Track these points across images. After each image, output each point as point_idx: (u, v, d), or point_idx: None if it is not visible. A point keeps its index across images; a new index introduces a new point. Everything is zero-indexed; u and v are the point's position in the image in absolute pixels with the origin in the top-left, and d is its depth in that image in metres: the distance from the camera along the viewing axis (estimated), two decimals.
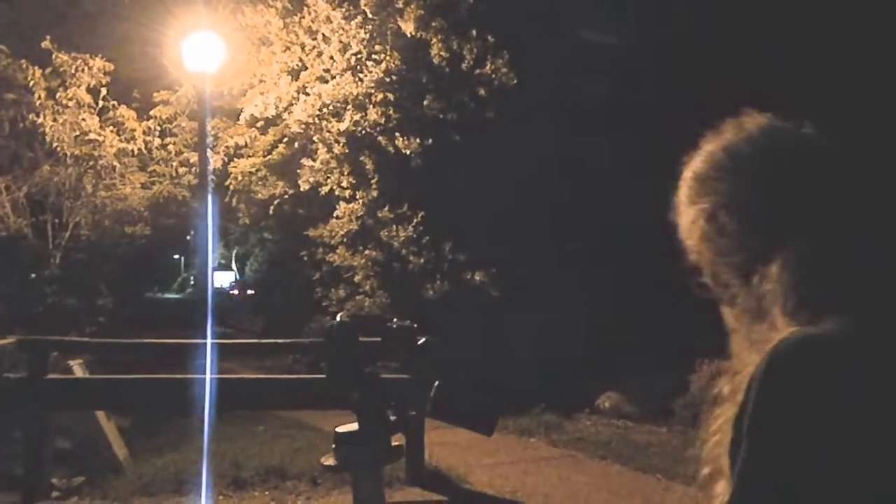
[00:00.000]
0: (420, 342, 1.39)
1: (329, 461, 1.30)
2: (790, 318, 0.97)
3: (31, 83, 11.75)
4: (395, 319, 1.42)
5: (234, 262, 37.71)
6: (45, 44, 11.88)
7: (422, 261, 11.69)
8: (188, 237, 20.04)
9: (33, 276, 12.73)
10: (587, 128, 11.05)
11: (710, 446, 1.04)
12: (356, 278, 12.40)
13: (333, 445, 1.28)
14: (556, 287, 10.36)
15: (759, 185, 1.04)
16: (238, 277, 37.97)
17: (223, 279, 39.97)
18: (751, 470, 0.91)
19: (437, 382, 1.23)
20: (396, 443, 1.36)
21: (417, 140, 11.48)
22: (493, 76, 11.20)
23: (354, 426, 1.28)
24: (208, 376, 6.56)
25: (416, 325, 1.41)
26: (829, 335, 0.92)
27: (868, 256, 1.00)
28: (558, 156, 11.04)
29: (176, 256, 38.91)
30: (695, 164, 1.14)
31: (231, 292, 35.95)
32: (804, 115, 1.13)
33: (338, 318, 1.36)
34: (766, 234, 1.02)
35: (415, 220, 11.73)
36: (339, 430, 1.34)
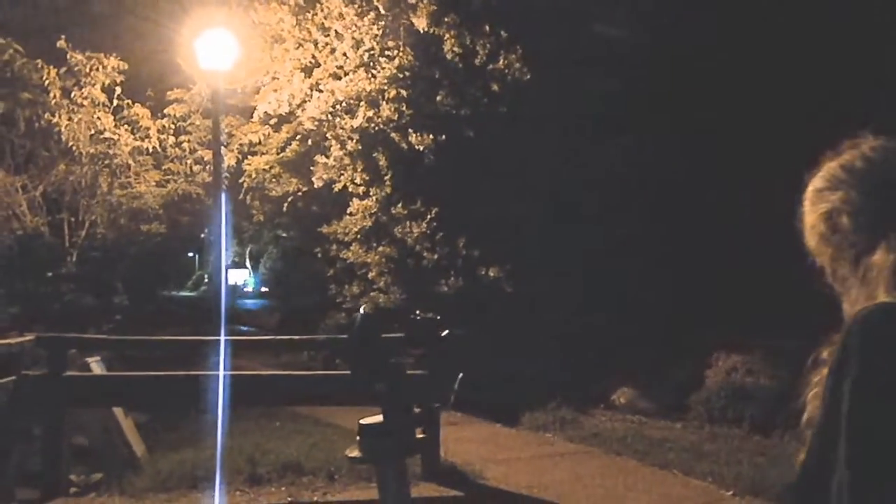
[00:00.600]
0: (444, 334, 1.38)
1: (354, 453, 1.29)
2: (889, 296, 1.14)
3: (47, 83, 11.84)
4: (418, 312, 1.41)
5: (248, 260, 37.82)
6: (61, 43, 11.97)
7: (436, 257, 11.68)
8: (202, 235, 20.13)
9: (50, 274, 12.84)
10: (601, 124, 11.01)
11: (809, 400, 1.19)
12: (370, 275, 12.40)
13: (358, 437, 1.27)
14: (572, 282, 10.34)
15: (865, 192, 1.24)
16: (252, 275, 38.12)
17: (237, 277, 40.12)
18: (860, 424, 1.03)
19: (459, 375, 1.22)
20: (420, 435, 1.34)
21: (430, 136, 11.46)
22: (507, 71, 11.16)
23: (378, 418, 1.27)
24: (223, 372, 6.59)
25: (439, 318, 1.40)
26: None
27: None
28: (572, 151, 11.00)
29: (190, 254, 39.08)
30: (816, 179, 1.32)
31: (245, 290, 36.12)
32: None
33: (361, 310, 1.34)
34: (871, 230, 1.20)
35: (428, 216, 11.72)
36: (363, 421, 1.33)
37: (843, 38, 9.87)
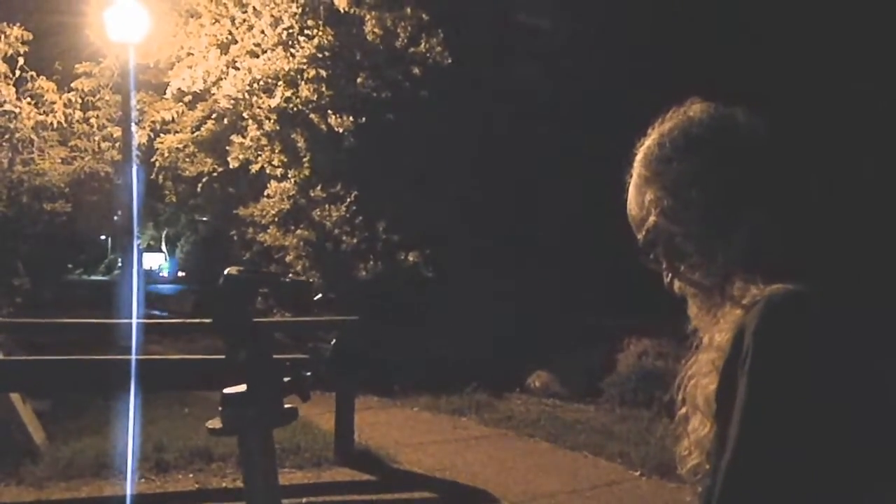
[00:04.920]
0: (315, 299, 1.33)
1: (215, 424, 1.23)
2: (754, 281, 1.09)
3: None
4: (290, 275, 1.35)
5: (164, 244, 36.74)
6: None
7: (355, 241, 11.58)
8: (115, 217, 19.40)
9: None
10: (521, 111, 11.10)
11: (689, 388, 1.15)
12: (287, 258, 12.19)
13: (220, 408, 1.22)
14: (487, 267, 10.41)
15: (720, 162, 1.15)
16: (168, 259, 37.11)
17: (153, 261, 38.95)
18: (756, 410, 1.00)
19: (333, 341, 1.18)
20: (290, 405, 1.29)
21: (350, 118, 11.32)
22: (428, 55, 11.11)
23: (240, 387, 1.21)
24: (133, 357, 6.35)
25: (311, 282, 1.35)
26: (810, 291, 1.04)
27: (812, 227, 1.16)
28: (491, 136, 11.05)
29: (102, 237, 37.69)
30: (649, 147, 1.23)
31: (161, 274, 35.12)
32: (742, 101, 1.24)
33: (226, 272, 1.28)
34: (728, 205, 1.13)
35: (348, 200, 11.60)
36: (226, 391, 1.27)
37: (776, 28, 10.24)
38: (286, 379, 1.23)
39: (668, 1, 10.79)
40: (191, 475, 6.36)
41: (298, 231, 12.03)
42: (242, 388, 1.22)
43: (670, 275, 1.23)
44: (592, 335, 9.77)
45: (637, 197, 1.24)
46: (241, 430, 1.21)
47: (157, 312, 19.00)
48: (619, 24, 10.90)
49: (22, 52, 11.75)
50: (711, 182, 1.15)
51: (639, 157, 1.24)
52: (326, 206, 11.72)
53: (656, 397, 8.64)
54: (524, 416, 8.49)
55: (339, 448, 6.64)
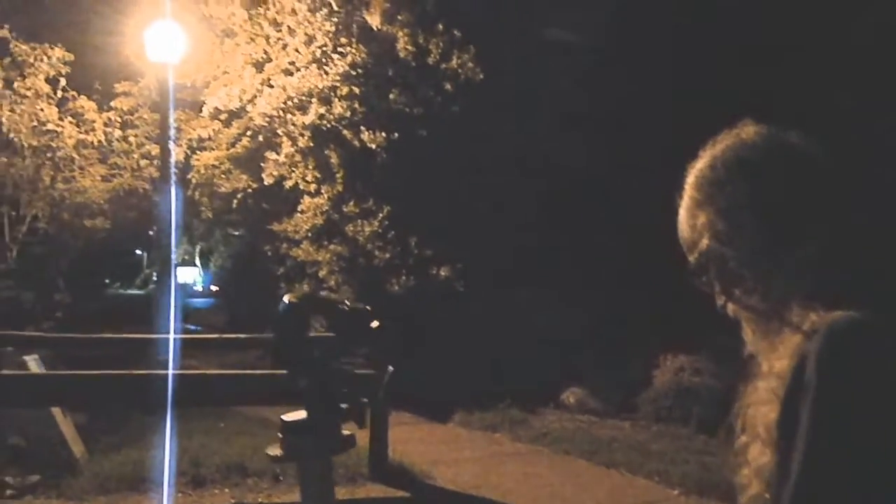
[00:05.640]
0: (374, 326, 1.34)
1: (274, 451, 1.24)
2: (813, 307, 1.08)
3: None
4: (346, 301, 1.36)
5: (197, 258, 37.19)
6: (3, 33, 11.59)
7: (387, 256, 11.62)
8: (150, 232, 19.71)
9: None
10: (554, 124, 11.09)
11: (748, 416, 1.14)
12: (321, 273, 12.27)
13: (280, 434, 1.23)
14: (521, 283, 10.38)
15: (774, 186, 1.15)
16: (202, 273, 37.53)
17: (187, 275, 39.43)
18: (821, 440, 0.99)
19: (390, 369, 1.18)
20: (348, 432, 1.30)
21: (383, 134, 11.40)
22: (460, 71, 11.16)
23: (302, 413, 1.22)
24: (170, 372, 6.43)
25: (369, 308, 1.36)
26: (872, 317, 1.03)
27: (865, 254, 1.16)
28: (524, 152, 11.05)
29: (138, 252, 38.29)
30: (701, 170, 1.22)
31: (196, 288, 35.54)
32: (786, 121, 1.24)
33: (285, 299, 1.29)
34: (784, 230, 1.13)
35: (380, 215, 11.65)
36: (285, 417, 1.28)
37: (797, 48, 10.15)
38: (344, 406, 1.24)
39: (708, 17, 10.70)
40: (227, 490, 6.42)
41: (331, 246, 12.11)
42: (302, 414, 1.24)
43: (724, 298, 1.22)
44: (627, 350, 9.68)
45: (689, 220, 1.23)
46: (302, 458, 1.22)
47: (191, 327, 19.21)
48: (657, 39, 10.86)
49: (64, 72, 12.03)
50: (765, 206, 1.14)
51: (690, 179, 1.24)
52: (359, 221, 11.79)
53: (694, 414, 8.55)
54: (559, 433, 8.44)
55: (374, 464, 6.65)
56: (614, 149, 10.89)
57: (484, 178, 11.03)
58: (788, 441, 1.03)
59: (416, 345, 7.89)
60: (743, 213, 1.15)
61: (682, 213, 1.26)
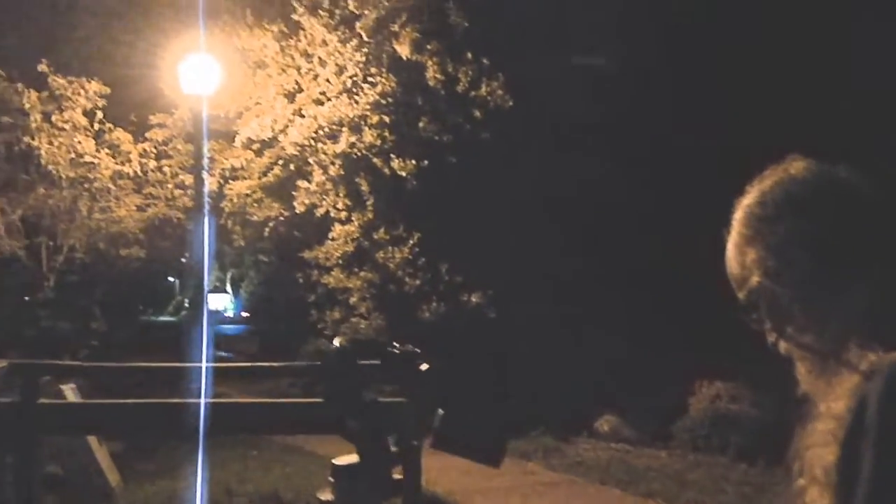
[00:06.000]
0: (424, 368, 1.33)
1: (326, 496, 1.24)
2: (871, 346, 1.05)
3: (28, 106, 11.74)
4: (396, 344, 1.36)
5: (228, 285, 37.52)
6: (42, 67, 11.89)
7: (418, 282, 11.64)
8: (183, 259, 19.95)
9: (27, 298, 12.64)
10: (582, 149, 11.07)
11: (806, 458, 1.11)
12: (351, 300, 12.32)
13: (331, 479, 1.23)
14: (553, 309, 10.31)
15: (826, 222, 1.12)
16: (233, 300, 37.82)
17: (218, 302, 39.75)
18: (884, 484, 0.97)
19: (440, 412, 1.18)
20: (398, 476, 1.30)
21: (413, 162, 11.48)
22: (489, 98, 11.22)
23: (353, 458, 1.22)
24: (202, 400, 6.46)
25: (418, 351, 1.36)
26: None
27: None
28: (556, 177, 11.04)
29: (171, 279, 38.73)
30: (749, 206, 1.20)
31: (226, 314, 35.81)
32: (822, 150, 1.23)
33: (336, 343, 1.29)
34: (837, 266, 1.10)
35: (410, 242, 11.70)
36: (336, 462, 1.28)
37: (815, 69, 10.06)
38: (394, 449, 1.23)
39: (748, 40, 10.64)
40: None
41: (362, 273, 12.17)
42: (353, 458, 1.23)
43: (775, 336, 1.19)
44: (661, 377, 9.55)
45: (738, 256, 1.21)
46: (354, 502, 1.21)
47: (223, 353, 19.33)
48: (691, 64, 10.82)
49: (100, 105, 12.29)
50: (818, 242, 1.12)
51: (738, 215, 1.21)
52: (390, 248, 11.85)
53: (732, 443, 8.38)
54: (593, 462, 8.32)
55: (407, 494, 6.59)
56: (647, 174, 10.84)
57: (515, 205, 11.03)
58: (848, 485, 1.00)
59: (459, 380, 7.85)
60: (794, 251, 1.13)
61: (731, 249, 1.24)
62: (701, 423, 8.73)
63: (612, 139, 11.00)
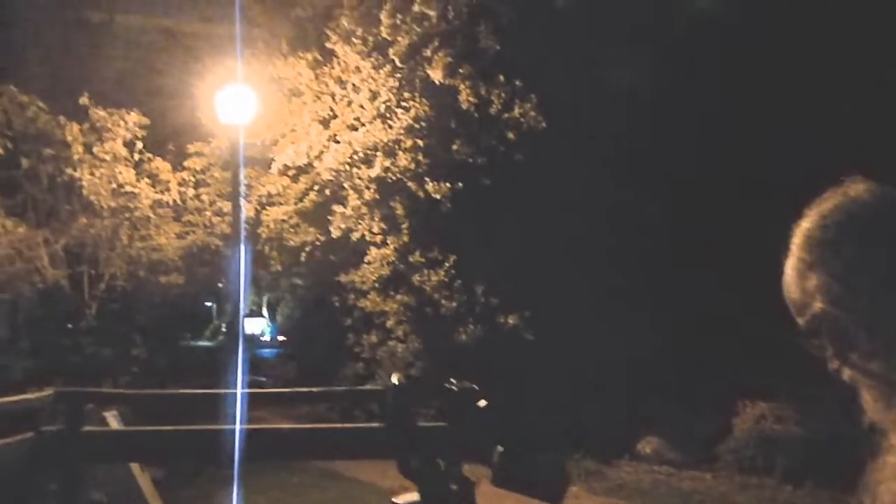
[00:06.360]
0: (482, 406, 1.31)
1: None
2: None
3: (70, 138, 12.03)
4: (453, 380, 1.34)
5: (264, 309, 37.84)
6: (83, 100, 12.19)
7: (454, 305, 11.61)
8: (220, 284, 20.16)
9: (70, 326, 12.87)
10: (616, 168, 11.00)
11: (879, 494, 1.08)
12: (388, 323, 12.33)
13: None
14: (592, 329, 10.20)
15: (890, 248, 1.09)
16: (269, 323, 38.10)
17: (254, 326, 40.08)
18: None
19: (499, 448, 1.16)
20: None
21: (447, 184, 11.50)
22: (522, 120, 11.22)
23: (412, 496, 1.20)
24: (242, 427, 6.50)
25: (476, 387, 1.34)
26: None
27: None
28: (590, 197, 10.98)
29: (208, 304, 39.14)
30: (809, 231, 1.16)
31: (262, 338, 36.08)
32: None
33: (393, 379, 1.28)
34: None
35: (446, 264, 11.69)
36: (397, 500, 1.26)
37: (850, 89, 9.88)
38: (454, 487, 1.21)
39: (792, 58, 10.51)
40: None
41: (398, 296, 12.18)
42: (414, 496, 1.21)
43: (838, 363, 1.15)
44: (703, 397, 9.38)
45: (798, 282, 1.17)
46: None
47: (261, 378, 19.42)
48: (727, 82, 10.72)
49: (140, 135, 12.55)
50: (884, 267, 1.08)
51: (798, 240, 1.18)
52: (425, 270, 11.85)
53: (778, 464, 8.19)
54: (636, 485, 8.18)
55: None
56: (684, 193, 10.73)
57: (549, 225, 10.97)
58: None
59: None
60: (859, 276, 1.09)
61: (791, 274, 1.20)
62: (746, 445, 8.55)
63: (647, 158, 10.91)
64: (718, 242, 10.35)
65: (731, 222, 10.22)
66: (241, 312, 12.76)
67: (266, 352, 30.87)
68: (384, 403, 1.26)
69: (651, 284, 10.41)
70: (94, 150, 12.34)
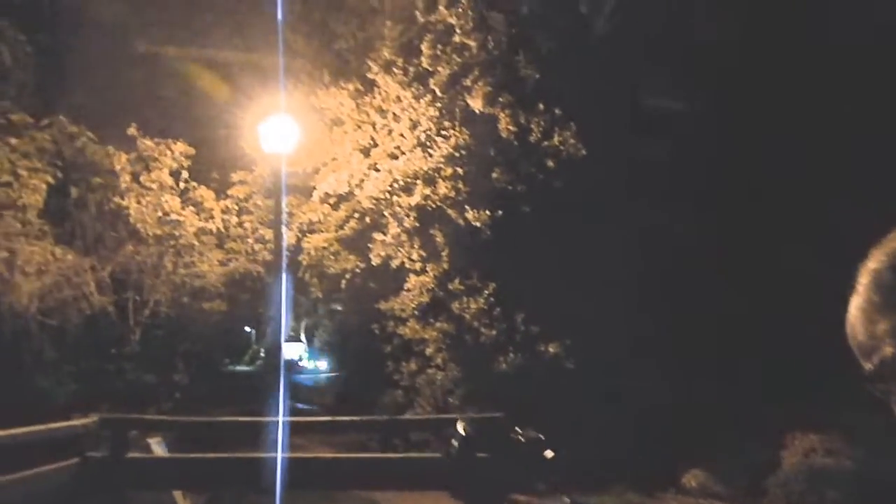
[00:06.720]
0: (549, 456, 1.29)
1: None
2: None
3: (118, 168, 12.33)
4: (518, 429, 1.32)
5: (302, 334, 38.08)
6: (131, 131, 12.50)
7: (494, 333, 11.55)
8: (260, 310, 20.36)
9: (113, 351, 13.09)
10: (657, 194, 10.90)
11: None
12: (427, 351, 12.31)
13: None
14: (634, 359, 10.06)
15: None
16: (307, 349, 38.32)
17: (293, 351, 40.32)
18: None
19: (565, 499, 1.14)
20: None
21: (487, 212, 11.50)
22: (562, 147, 11.20)
23: None
24: (283, 455, 6.51)
25: (542, 437, 1.32)
26: None
27: None
28: (630, 224, 10.88)
29: (247, 329, 39.51)
30: (879, 272, 1.10)
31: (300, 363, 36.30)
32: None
33: (459, 429, 1.27)
34: None
35: (486, 292, 11.65)
36: None
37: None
38: None
39: (802, 75, 10.39)
40: None
41: (438, 324, 12.16)
42: None
43: None
44: (750, 429, 9.16)
45: (866, 324, 1.12)
46: None
47: (302, 406, 19.48)
48: (769, 107, 10.59)
49: (185, 165, 12.82)
50: None
51: (865, 280, 1.12)
52: (465, 298, 11.82)
53: (829, 499, 7.94)
54: None
55: None
56: (728, 220, 10.58)
57: (589, 252, 10.89)
58: None
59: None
60: None
61: (857, 316, 1.15)
62: (795, 478, 8.32)
63: (689, 185, 10.79)
64: (764, 271, 10.17)
65: (780, 250, 10.03)
66: (281, 339, 12.86)
67: (305, 378, 31.02)
68: (451, 455, 1.25)
69: (696, 312, 10.23)
70: (141, 178, 12.63)
